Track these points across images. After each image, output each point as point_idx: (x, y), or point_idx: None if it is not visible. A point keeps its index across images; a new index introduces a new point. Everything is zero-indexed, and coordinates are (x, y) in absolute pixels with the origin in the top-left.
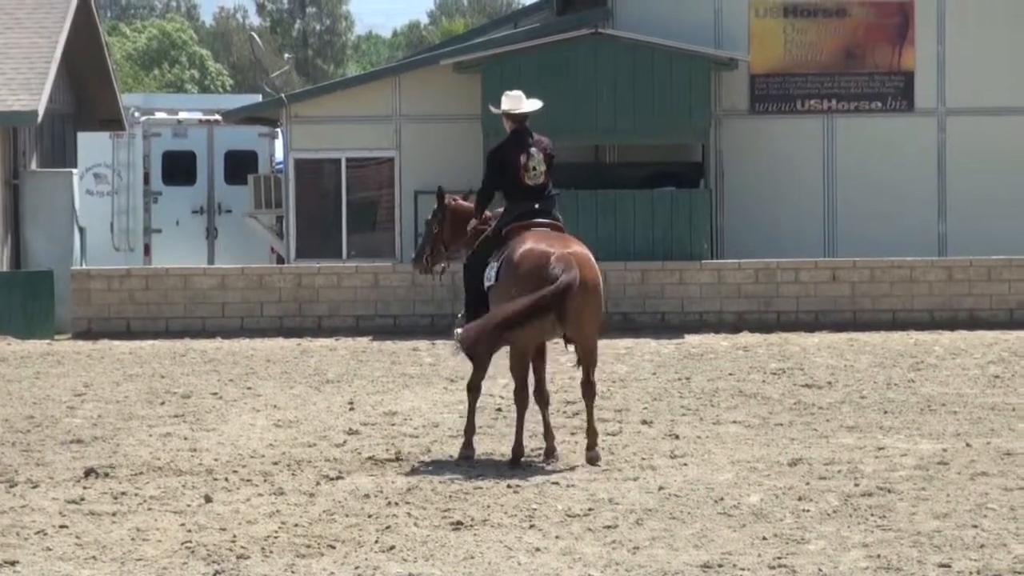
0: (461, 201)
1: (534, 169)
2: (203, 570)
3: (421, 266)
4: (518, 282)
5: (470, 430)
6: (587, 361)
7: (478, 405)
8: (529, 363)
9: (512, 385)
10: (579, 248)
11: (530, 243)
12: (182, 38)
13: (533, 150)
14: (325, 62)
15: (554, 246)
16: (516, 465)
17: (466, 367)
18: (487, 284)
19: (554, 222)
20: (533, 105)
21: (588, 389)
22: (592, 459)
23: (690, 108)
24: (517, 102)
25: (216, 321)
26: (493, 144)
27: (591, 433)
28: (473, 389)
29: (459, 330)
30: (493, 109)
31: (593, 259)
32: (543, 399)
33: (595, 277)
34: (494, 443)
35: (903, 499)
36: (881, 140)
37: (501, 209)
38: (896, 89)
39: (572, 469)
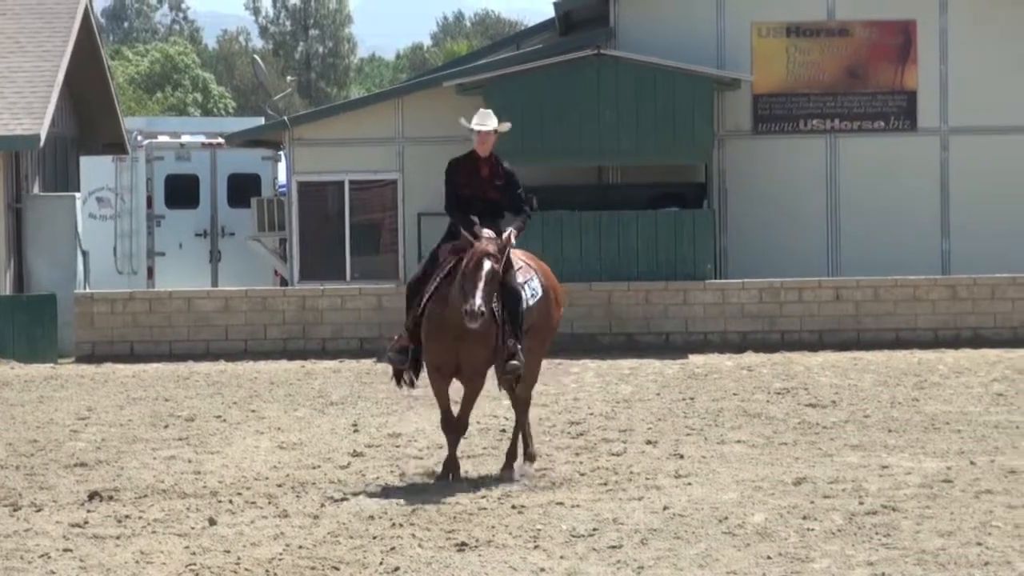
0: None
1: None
2: None
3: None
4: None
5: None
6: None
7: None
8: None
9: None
10: None
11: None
12: (185, 61)
13: None
14: (328, 85)
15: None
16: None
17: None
18: None
19: None
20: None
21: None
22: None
23: (693, 128)
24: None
25: (220, 344)
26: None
27: None
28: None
29: None
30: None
31: None
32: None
33: None
34: (498, 464)
35: (907, 517)
36: (884, 159)
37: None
38: (899, 108)
39: (576, 489)
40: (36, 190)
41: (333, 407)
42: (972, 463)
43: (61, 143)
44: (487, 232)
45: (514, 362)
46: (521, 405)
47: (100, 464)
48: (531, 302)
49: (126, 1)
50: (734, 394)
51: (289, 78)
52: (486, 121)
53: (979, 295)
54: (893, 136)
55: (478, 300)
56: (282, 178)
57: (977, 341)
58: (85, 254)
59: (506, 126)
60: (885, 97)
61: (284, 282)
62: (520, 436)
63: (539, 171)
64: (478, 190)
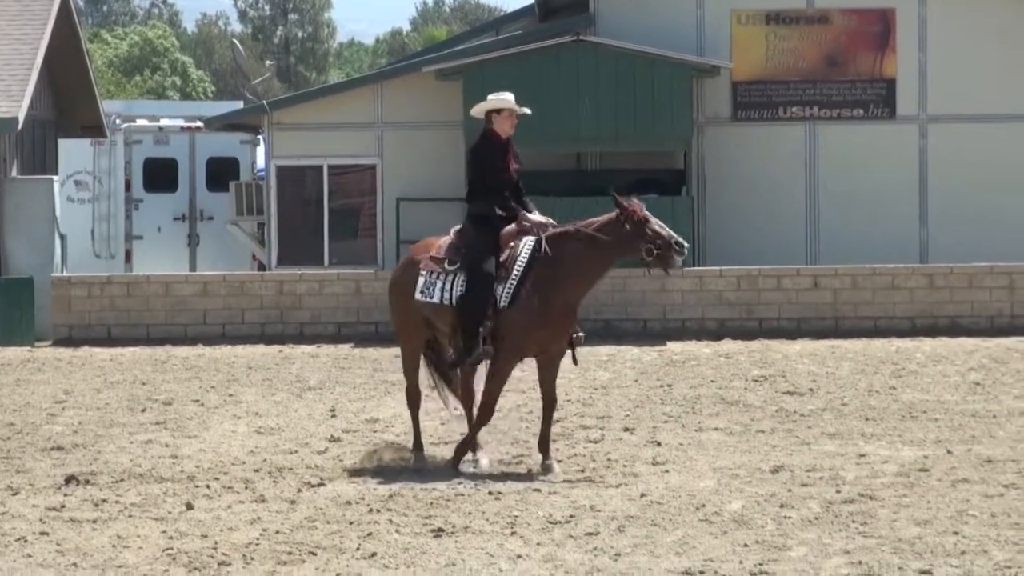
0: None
1: None
2: None
3: None
4: None
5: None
6: None
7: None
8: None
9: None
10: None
11: None
12: (164, 45)
13: None
14: (307, 69)
15: None
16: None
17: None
18: None
19: (454, 231)
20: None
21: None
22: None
23: (672, 115)
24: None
25: (197, 328)
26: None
27: None
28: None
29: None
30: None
31: (401, 260)
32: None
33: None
34: (477, 451)
35: (884, 506)
36: (863, 147)
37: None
38: (878, 96)
39: (554, 476)
40: (14, 173)
41: (311, 392)
42: (949, 452)
43: (39, 126)
44: (537, 216)
45: (581, 333)
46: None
47: (77, 448)
48: None
49: None
50: (712, 381)
51: (268, 62)
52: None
53: (957, 284)
54: (872, 124)
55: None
56: (261, 162)
57: (954, 330)
58: (63, 237)
59: (525, 109)
60: (864, 85)
61: (262, 266)
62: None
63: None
64: (509, 173)
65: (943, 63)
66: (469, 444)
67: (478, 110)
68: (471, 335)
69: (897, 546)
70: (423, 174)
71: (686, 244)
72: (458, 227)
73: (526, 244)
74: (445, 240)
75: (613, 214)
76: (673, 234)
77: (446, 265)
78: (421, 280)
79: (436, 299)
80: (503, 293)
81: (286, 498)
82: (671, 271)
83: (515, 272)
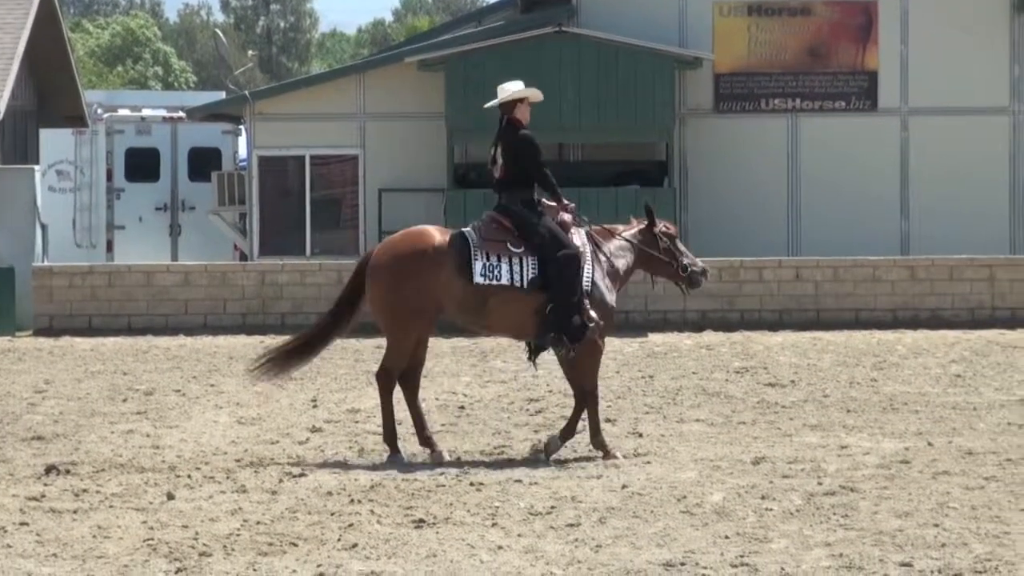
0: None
1: (495, 162)
2: (165, 568)
3: None
4: None
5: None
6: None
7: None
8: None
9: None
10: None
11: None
12: (146, 35)
13: (499, 141)
14: (289, 59)
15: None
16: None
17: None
18: None
19: (497, 216)
20: (507, 94)
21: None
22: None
23: (654, 107)
24: (500, 94)
25: (179, 318)
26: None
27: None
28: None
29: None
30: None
31: (400, 248)
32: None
33: (379, 263)
34: (456, 440)
35: (865, 498)
36: (844, 139)
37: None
38: (860, 88)
39: (535, 467)
40: None
41: (292, 382)
42: (930, 444)
43: (21, 115)
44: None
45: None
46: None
47: (58, 437)
48: None
49: None
50: (693, 373)
51: (250, 52)
52: (501, 95)
53: (938, 276)
54: (854, 116)
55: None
56: (243, 152)
57: (935, 322)
58: (44, 227)
59: (511, 91)
60: (846, 77)
61: (244, 257)
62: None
63: None
64: None
65: (925, 56)
66: (600, 433)
67: (514, 94)
68: (577, 310)
69: (878, 538)
70: (405, 165)
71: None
72: (493, 213)
73: (577, 234)
74: (466, 229)
75: (643, 225)
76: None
77: (511, 247)
78: (479, 264)
79: (505, 281)
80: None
81: (267, 488)
82: (690, 292)
83: (597, 269)
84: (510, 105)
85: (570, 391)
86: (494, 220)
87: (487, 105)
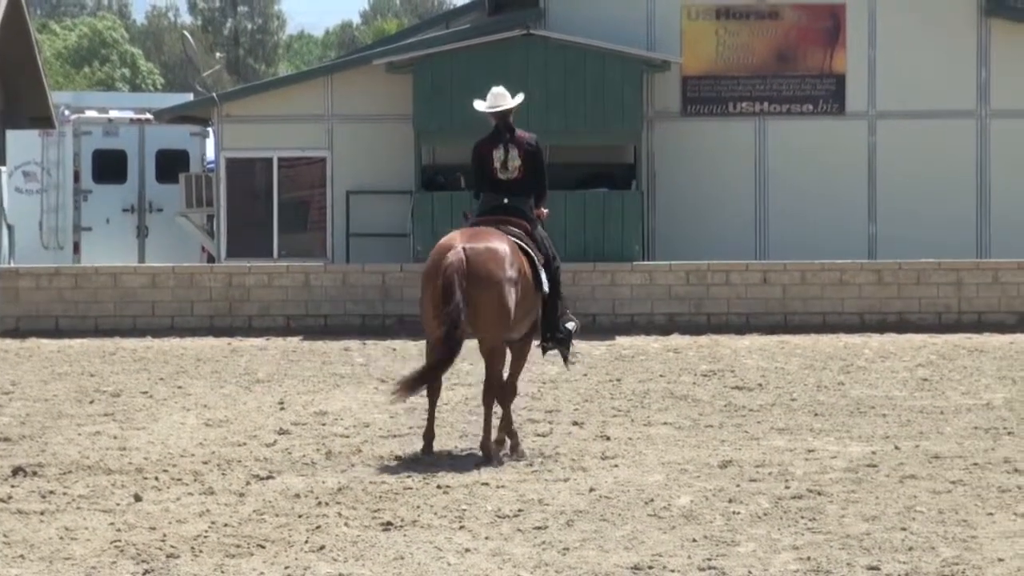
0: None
1: (506, 165)
2: (132, 569)
3: None
4: (423, 278)
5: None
6: (485, 360)
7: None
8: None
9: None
10: (492, 243)
11: (443, 239)
12: (113, 36)
13: (509, 145)
14: (257, 61)
15: (461, 241)
16: (425, 451)
17: (394, 367)
18: None
19: (514, 218)
20: (512, 102)
21: (484, 391)
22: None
23: (622, 109)
24: (497, 100)
25: (146, 320)
26: (476, 139)
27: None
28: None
29: None
30: (477, 105)
31: (501, 255)
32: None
33: (487, 271)
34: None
35: (833, 502)
36: (812, 143)
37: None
38: (827, 92)
39: (502, 470)
40: None
41: (259, 384)
42: (897, 448)
43: None
44: None
45: None
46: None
47: (24, 439)
48: None
49: None
50: (661, 376)
51: (218, 54)
52: (498, 102)
53: (905, 280)
54: (821, 119)
55: None
56: (210, 154)
57: (902, 326)
58: (10, 228)
59: (518, 98)
60: (814, 80)
61: (211, 259)
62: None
63: (467, 150)
64: None
65: (892, 59)
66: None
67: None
68: (565, 316)
69: (845, 542)
70: (373, 167)
71: None
72: (521, 221)
73: None
74: (507, 235)
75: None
76: None
77: (537, 256)
78: (543, 273)
79: (544, 288)
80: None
81: (235, 491)
82: None
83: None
84: (508, 113)
85: (536, 394)
86: (518, 226)
87: (482, 109)
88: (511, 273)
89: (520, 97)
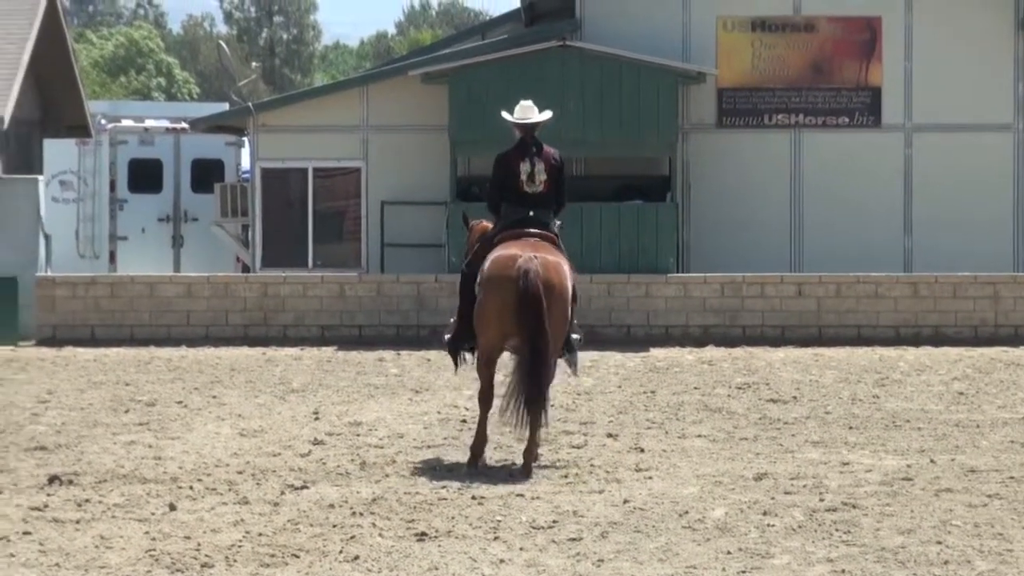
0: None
1: (533, 178)
2: None
3: None
4: (484, 288)
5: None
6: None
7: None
8: (492, 365)
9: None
10: (547, 255)
11: (500, 250)
12: (149, 46)
13: (536, 159)
14: (292, 71)
15: (524, 251)
16: (472, 464)
17: (428, 378)
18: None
19: (544, 231)
20: (541, 116)
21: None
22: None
23: (657, 121)
24: (526, 112)
25: (181, 329)
26: (501, 150)
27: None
28: (481, 399)
29: (447, 336)
30: (506, 115)
31: (564, 268)
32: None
33: (559, 280)
34: (459, 454)
35: (868, 515)
36: (848, 155)
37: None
38: (863, 104)
39: (537, 481)
40: None
41: (294, 394)
42: (932, 461)
43: (25, 126)
44: None
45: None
46: None
47: (60, 448)
48: None
49: None
50: (695, 388)
51: (254, 64)
52: (527, 115)
53: (941, 293)
54: (857, 132)
55: None
56: (246, 164)
57: (938, 339)
58: (47, 237)
59: (545, 114)
60: (850, 93)
61: (246, 268)
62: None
63: None
64: None
65: (928, 72)
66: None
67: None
68: (572, 327)
69: (880, 555)
70: (408, 177)
71: None
72: (548, 233)
73: None
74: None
75: None
76: None
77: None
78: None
79: None
80: None
81: (269, 500)
82: None
83: None
84: (536, 127)
85: (571, 406)
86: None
87: (511, 119)
88: (570, 284)
89: (548, 114)
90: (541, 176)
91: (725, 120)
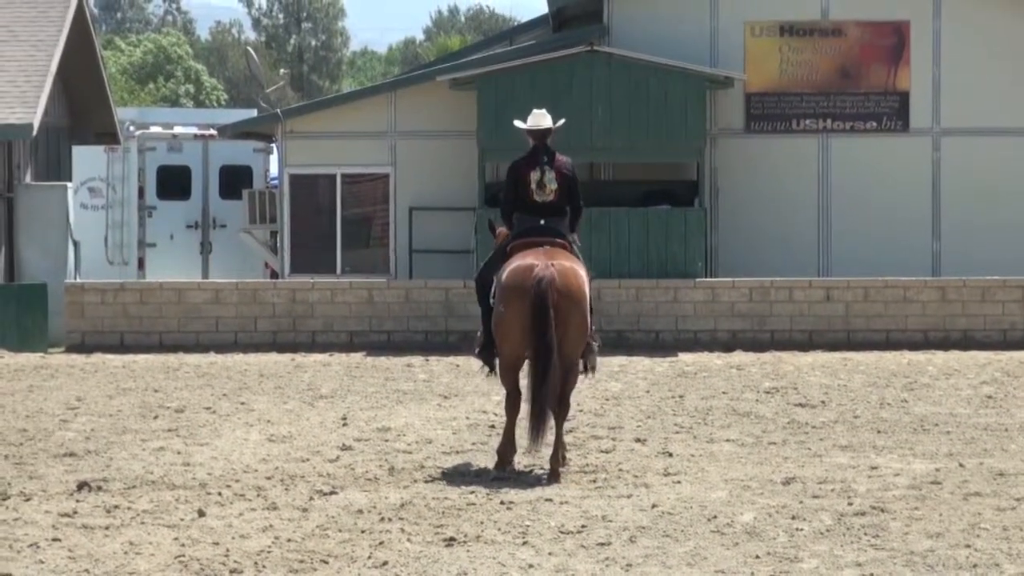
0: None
1: (543, 187)
2: None
3: None
4: (503, 298)
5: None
6: (564, 373)
7: (473, 421)
8: (515, 372)
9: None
10: (563, 260)
11: (517, 260)
12: (177, 52)
13: (546, 168)
14: (320, 77)
15: (539, 260)
16: (499, 468)
17: (457, 384)
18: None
19: (556, 240)
20: (543, 119)
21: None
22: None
23: (685, 126)
24: (538, 119)
25: (210, 335)
26: (513, 159)
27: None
28: (508, 406)
29: (476, 349)
30: (518, 124)
31: (581, 273)
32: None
33: (578, 285)
34: (487, 459)
35: (896, 519)
36: (876, 160)
37: None
38: (891, 109)
39: (565, 486)
40: (28, 179)
41: (322, 400)
42: (961, 465)
43: (53, 132)
44: None
45: None
46: None
47: (89, 454)
48: None
49: None
50: (723, 393)
51: (282, 70)
52: (539, 122)
53: (969, 297)
54: (885, 137)
55: None
56: (274, 170)
57: (967, 343)
58: (76, 244)
59: (558, 122)
60: (878, 98)
61: (275, 275)
62: None
63: None
64: None
65: (957, 76)
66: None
67: (555, 125)
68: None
69: (909, 559)
70: (436, 183)
71: None
72: (563, 241)
73: None
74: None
75: None
76: None
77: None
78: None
79: None
80: None
81: (298, 506)
82: None
83: None
84: (547, 132)
85: (599, 411)
86: (560, 247)
87: (523, 126)
88: (588, 290)
89: (561, 122)
90: (551, 185)
91: (753, 125)
